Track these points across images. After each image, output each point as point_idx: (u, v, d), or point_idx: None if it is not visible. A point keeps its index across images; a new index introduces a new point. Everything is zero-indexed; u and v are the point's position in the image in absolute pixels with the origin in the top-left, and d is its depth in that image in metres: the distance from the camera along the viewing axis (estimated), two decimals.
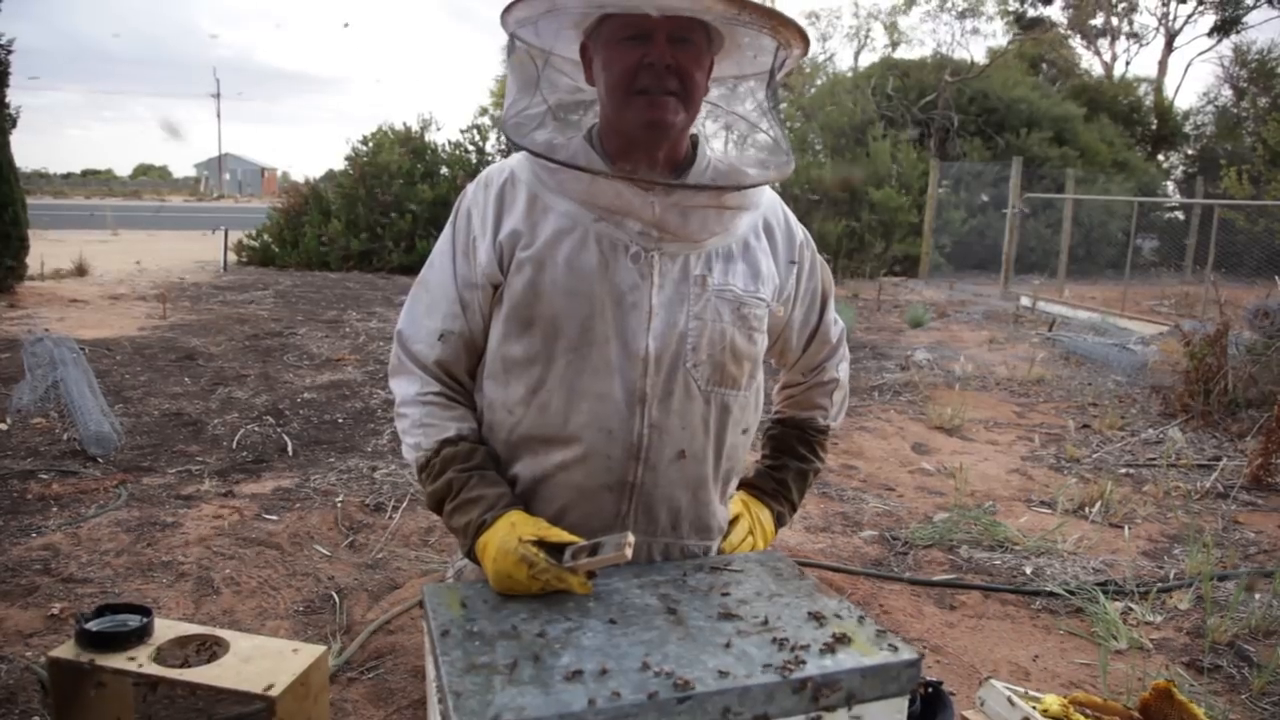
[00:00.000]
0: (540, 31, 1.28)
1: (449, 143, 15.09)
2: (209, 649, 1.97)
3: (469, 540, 1.26)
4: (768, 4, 1.14)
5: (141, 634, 1.95)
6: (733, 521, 1.47)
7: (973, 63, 20.64)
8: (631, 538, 1.15)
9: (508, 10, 1.21)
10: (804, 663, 1.02)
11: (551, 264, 1.26)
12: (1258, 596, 3.21)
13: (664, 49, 1.20)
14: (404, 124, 15.07)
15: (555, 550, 1.19)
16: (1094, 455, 5.20)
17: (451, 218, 1.36)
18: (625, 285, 1.26)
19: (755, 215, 1.36)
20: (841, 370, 1.58)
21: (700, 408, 1.32)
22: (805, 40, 1.22)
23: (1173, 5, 26.05)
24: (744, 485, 1.55)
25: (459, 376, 1.37)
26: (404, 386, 1.36)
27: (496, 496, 1.27)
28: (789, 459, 1.57)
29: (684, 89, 1.22)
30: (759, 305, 1.35)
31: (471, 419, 1.36)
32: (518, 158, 1.34)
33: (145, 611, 2.01)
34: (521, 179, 1.31)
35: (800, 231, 1.44)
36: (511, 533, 1.20)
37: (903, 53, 21.71)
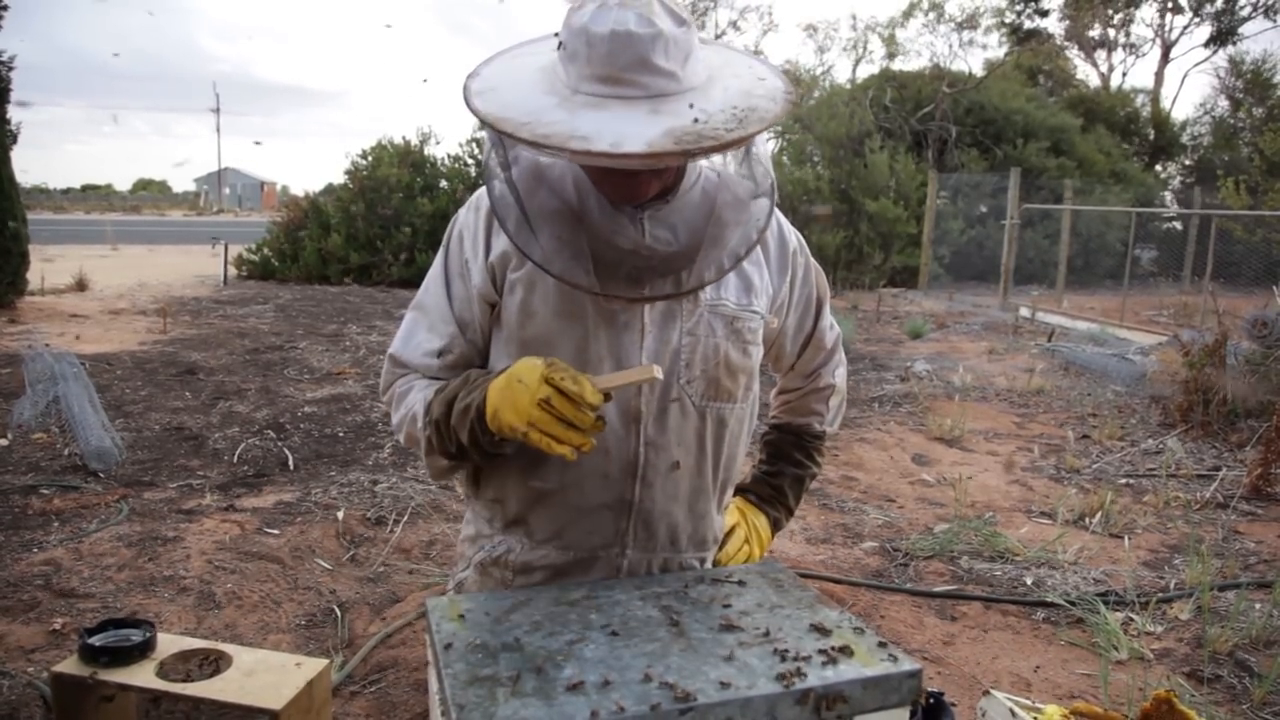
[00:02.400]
0: None
1: (448, 156, 15.16)
2: (212, 663, 1.97)
3: (479, 391, 1.20)
4: (727, 135, 1.06)
5: (144, 648, 1.95)
6: (729, 531, 1.48)
7: (970, 74, 20.74)
8: (660, 370, 1.14)
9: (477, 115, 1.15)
10: (805, 674, 1.03)
11: (543, 284, 1.26)
12: (1258, 606, 3.21)
13: (645, 184, 1.20)
14: (403, 138, 15.15)
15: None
16: (1094, 465, 5.21)
17: (444, 241, 1.37)
18: (617, 304, 1.27)
19: (746, 228, 1.36)
20: (838, 376, 1.58)
21: (695, 423, 1.33)
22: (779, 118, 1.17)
23: (1169, 17, 26.21)
24: (740, 491, 1.56)
25: None
26: (404, 381, 1.36)
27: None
28: (785, 465, 1.58)
29: (662, 179, 1.23)
30: (752, 318, 1.35)
31: None
32: None
33: (148, 626, 2.02)
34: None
35: (794, 238, 1.44)
36: (535, 359, 1.17)
37: (900, 64, 21.78)
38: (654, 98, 1.08)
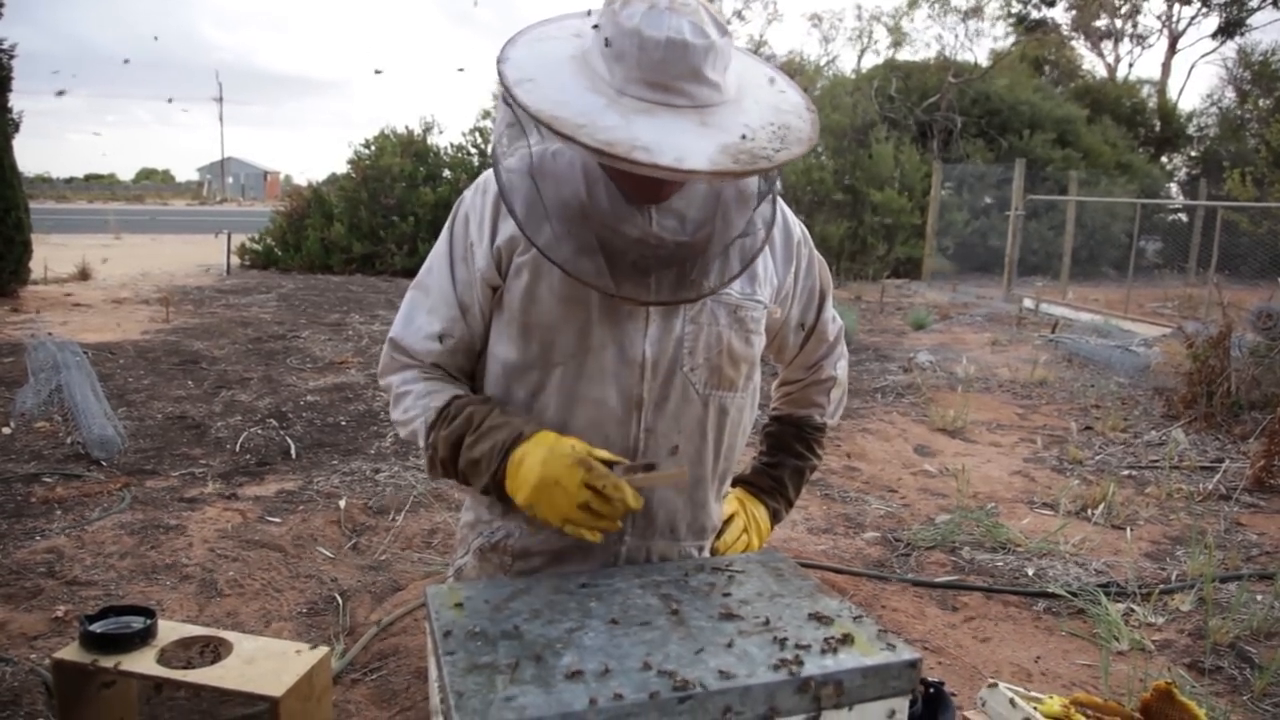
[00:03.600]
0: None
1: (451, 146, 15.15)
2: (212, 650, 1.98)
3: (497, 459, 1.20)
4: (776, 155, 1.08)
5: (145, 635, 1.96)
6: (728, 519, 1.48)
7: (976, 64, 20.64)
8: (686, 464, 1.15)
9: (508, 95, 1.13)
10: (804, 662, 1.03)
11: (548, 270, 1.25)
12: (1259, 598, 3.21)
13: (670, 186, 1.20)
14: (406, 127, 15.13)
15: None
16: (1096, 457, 5.20)
17: (449, 223, 1.35)
18: (628, 305, 1.26)
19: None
20: (839, 368, 1.58)
21: (698, 411, 1.33)
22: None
23: (1176, 7, 26.07)
24: (740, 482, 1.55)
25: (456, 378, 1.37)
26: (401, 374, 1.35)
27: (525, 421, 1.24)
28: (786, 456, 1.57)
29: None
30: (756, 308, 1.35)
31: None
32: None
33: (149, 613, 2.02)
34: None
35: (798, 229, 1.44)
36: (560, 442, 1.17)
37: (905, 55, 21.69)
38: (700, 108, 1.09)
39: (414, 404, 1.31)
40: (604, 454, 1.19)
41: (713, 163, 1.02)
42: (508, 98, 1.10)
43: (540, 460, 1.16)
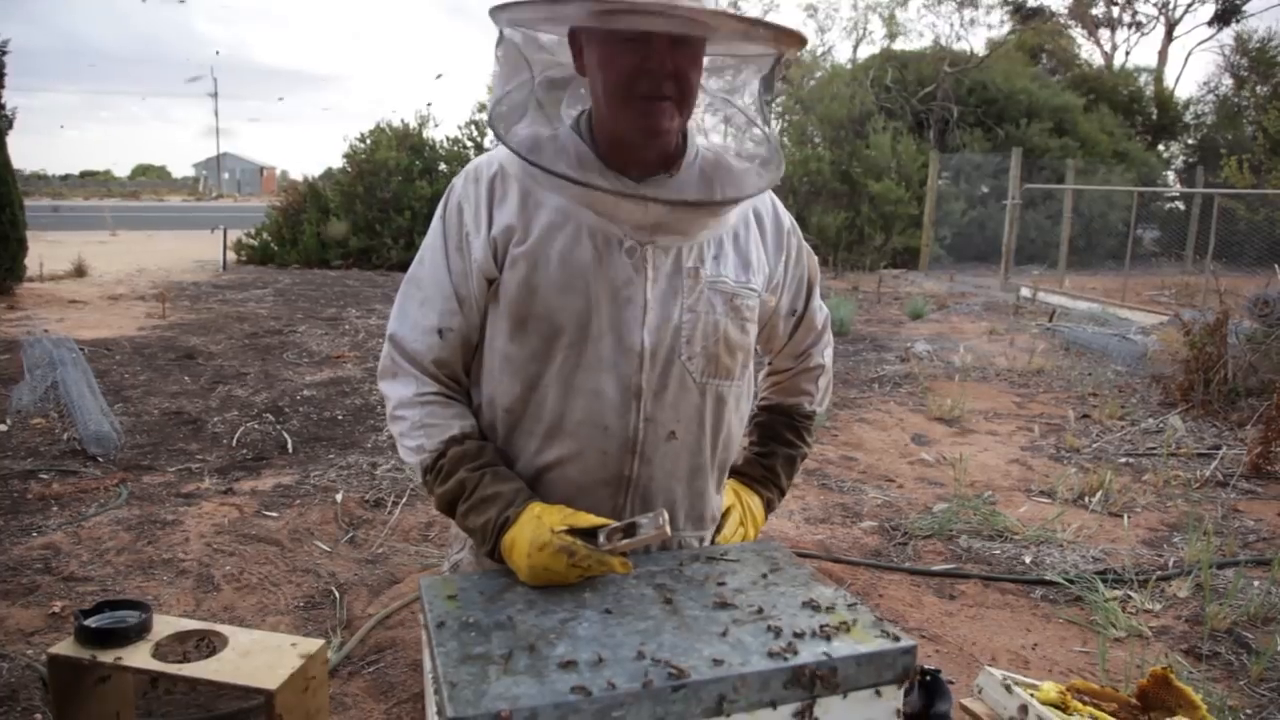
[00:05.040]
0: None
1: (447, 139, 15.09)
2: (208, 644, 1.97)
3: (491, 539, 1.24)
4: (771, 20, 1.14)
5: (141, 630, 1.95)
6: (725, 514, 1.48)
7: (972, 53, 20.59)
8: (666, 514, 1.16)
9: (500, 9, 1.18)
10: (799, 650, 1.03)
11: (545, 260, 1.25)
12: (1256, 584, 3.21)
13: (665, 55, 1.17)
14: (402, 121, 15.07)
15: (587, 535, 1.19)
16: (1094, 445, 5.20)
17: (440, 212, 1.34)
18: (620, 280, 1.25)
19: (745, 204, 1.36)
20: (826, 356, 1.58)
21: (695, 399, 1.32)
22: (804, 43, 1.22)
23: None
24: (733, 472, 1.55)
25: (456, 374, 1.35)
26: (399, 389, 1.33)
27: (514, 492, 1.25)
28: (777, 445, 1.57)
29: (681, 93, 1.21)
30: (751, 296, 1.35)
31: (470, 416, 1.34)
32: (505, 150, 1.32)
33: (144, 608, 2.02)
34: (511, 173, 1.29)
35: (787, 219, 1.44)
36: (541, 526, 1.18)
37: (901, 44, 21.62)
38: None
39: (410, 434, 1.31)
40: (586, 521, 1.20)
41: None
42: (498, 13, 1.15)
43: (526, 553, 1.18)
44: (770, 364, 1.61)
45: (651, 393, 1.28)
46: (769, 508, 1.56)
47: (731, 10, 1.07)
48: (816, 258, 1.53)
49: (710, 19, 1.11)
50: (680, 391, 1.30)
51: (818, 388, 1.59)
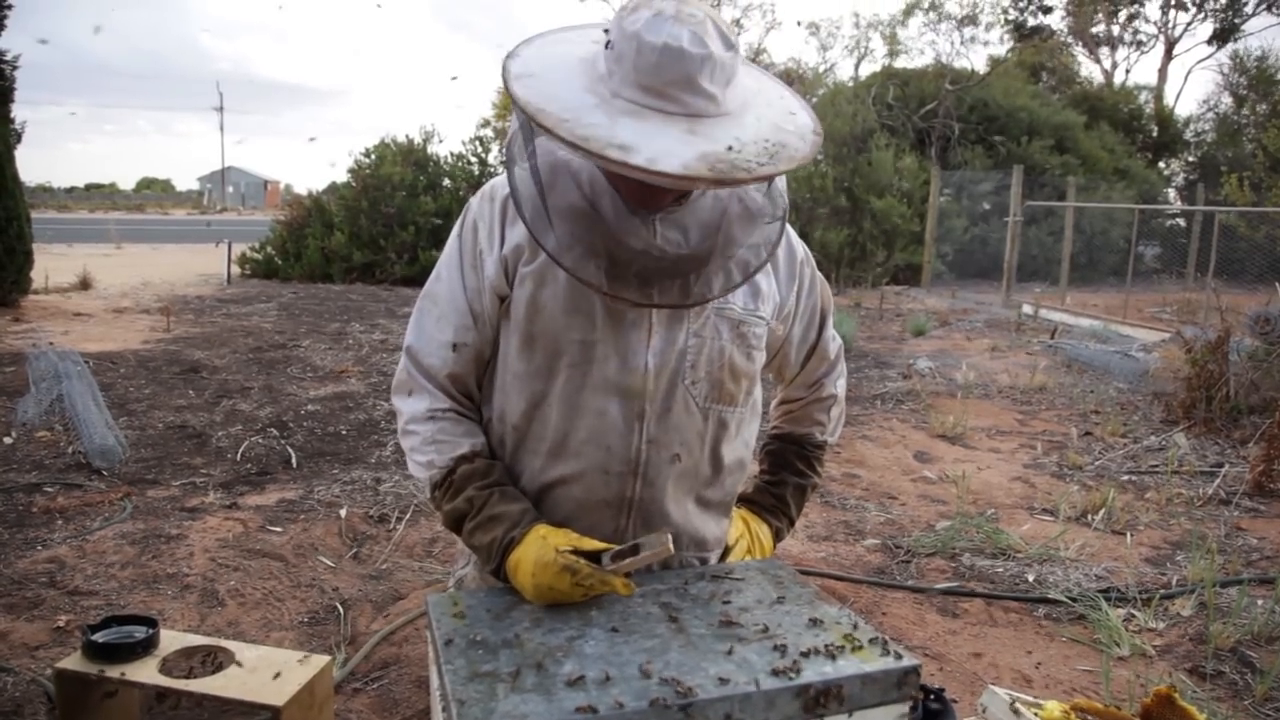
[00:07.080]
0: None
1: (451, 155, 15.17)
2: (214, 660, 1.98)
3: (496, 558, 1.25)
4: (759, 169, 1.07)
5: (147, 645, 1.96)
6: (733, 542, 1.48)
7: (973, 71, 20.70)
8: (669, 535, 1.17)
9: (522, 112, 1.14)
10: (804, 669, 1.04)
11: (553, 280, 1.26)
12: (1260, 603, 3.21)
13: (665, 194, 1.20)
14: (406, 136, 15.16)
15: (592, 557, 1.21)
16: (1096, 462, 5.20)
17: (456, 230, 1.36)
18: (623, 305, 1.26)
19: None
20: (839, 386, 1.59)
21: (698, 424, 1.34)
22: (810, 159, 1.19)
23: (1172, 13, 26.16)
24: (742, 500, 1.56)
25: (469, 390, 1.37)
26: (412, 403, 1.35)
27: (520, 512, 1.27)
28: (787, 474, 1.58)
29: (684, 191, 1.23)
30: (758, 324, 1.36)
31: (481, 435, 1.36)
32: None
33: (151, 623, 2.03)
34: None
35: (801, 249, 1.44)
36: (545, 546, 1.20)
37: (903, 62, 21.76)
38: (692, 117, 1.08)
39: (421, 449, 1.33)
40: (590, 545, 1.22)
41: (685, 167, 1.02)
42: (506, 90, 1.12)
43: (530, 573, 1.19)
44: (783, 393, 1.62)
45: (655, 415, 1.30)
46: (778, 537, 1.56)
47: (698, 175, 1.03)
48: (830, 288, 1.53)
49: (669, 179, 1.05)
50: (684, 415, 1.32)
51: (829, 418, 1.59)
